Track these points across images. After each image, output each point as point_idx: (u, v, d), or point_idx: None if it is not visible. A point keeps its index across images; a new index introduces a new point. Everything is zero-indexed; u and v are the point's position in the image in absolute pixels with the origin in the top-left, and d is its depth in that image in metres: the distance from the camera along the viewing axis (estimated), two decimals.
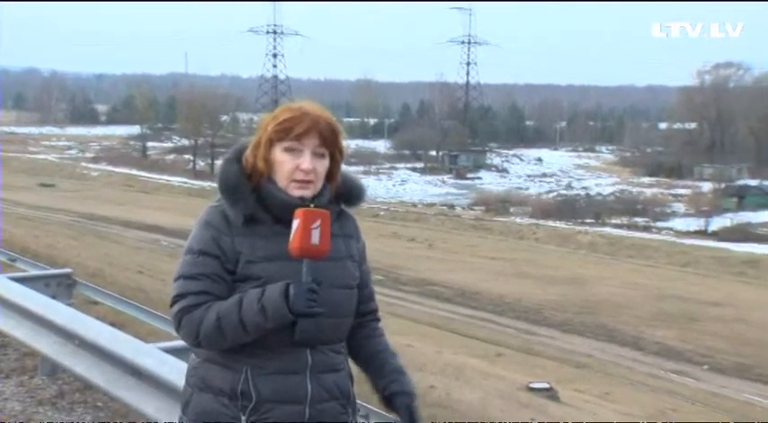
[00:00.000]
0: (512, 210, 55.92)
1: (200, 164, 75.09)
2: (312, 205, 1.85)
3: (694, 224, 49.91)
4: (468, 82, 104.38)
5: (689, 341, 24.26)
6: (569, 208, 55.12)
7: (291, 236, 1.79)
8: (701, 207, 52.26)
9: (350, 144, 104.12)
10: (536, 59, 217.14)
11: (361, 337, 2.05)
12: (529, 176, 79.83)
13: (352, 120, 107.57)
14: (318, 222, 1.79)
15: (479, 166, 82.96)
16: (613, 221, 51.34)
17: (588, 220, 51.30)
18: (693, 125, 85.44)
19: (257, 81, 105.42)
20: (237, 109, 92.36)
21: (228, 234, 1.89)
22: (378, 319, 2.11)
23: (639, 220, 51.87)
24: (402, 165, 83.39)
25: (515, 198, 61.50)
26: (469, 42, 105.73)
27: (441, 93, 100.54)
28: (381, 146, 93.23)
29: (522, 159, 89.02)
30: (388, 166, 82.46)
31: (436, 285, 29.49)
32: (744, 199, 56.03)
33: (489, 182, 75.20)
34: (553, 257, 39.58)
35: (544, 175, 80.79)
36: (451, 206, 58.99)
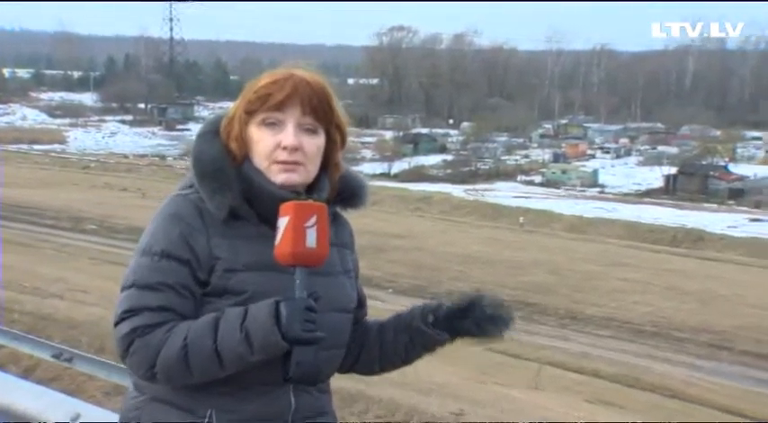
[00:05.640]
0: None
1: None
2: (309, 198, 1.33)
3: (380, 168, 53.39)
4: (171, 37, 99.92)
5: (378, 269, 26.08)
6: None
7: (279, 237, 1.27)
8: (384, 153, 55.86)
9: (53, 97, 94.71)
10: (238, 16, 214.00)
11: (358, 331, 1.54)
12: None
13: (54, 72, 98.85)
14: (314, 219, 1.27)
15: (188, 118, 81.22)
16: None
17: None
18: (376, 81, 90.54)
19: None
20: None
21: (203, 232, 1.31)
22: None
23: None
24: (111, 117, 79.99)
25: None
26: None
27: (145, 47, 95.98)
28: (88, 98, 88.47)
29: None
30: (96, 118, 78.76)
31: None
32: (418, 145, 60.89)
33: None
34: None
35: None
36: (163, 156, 56.99)
